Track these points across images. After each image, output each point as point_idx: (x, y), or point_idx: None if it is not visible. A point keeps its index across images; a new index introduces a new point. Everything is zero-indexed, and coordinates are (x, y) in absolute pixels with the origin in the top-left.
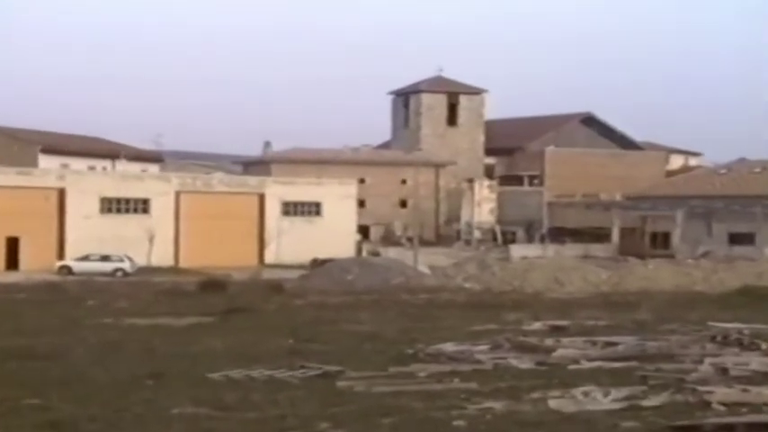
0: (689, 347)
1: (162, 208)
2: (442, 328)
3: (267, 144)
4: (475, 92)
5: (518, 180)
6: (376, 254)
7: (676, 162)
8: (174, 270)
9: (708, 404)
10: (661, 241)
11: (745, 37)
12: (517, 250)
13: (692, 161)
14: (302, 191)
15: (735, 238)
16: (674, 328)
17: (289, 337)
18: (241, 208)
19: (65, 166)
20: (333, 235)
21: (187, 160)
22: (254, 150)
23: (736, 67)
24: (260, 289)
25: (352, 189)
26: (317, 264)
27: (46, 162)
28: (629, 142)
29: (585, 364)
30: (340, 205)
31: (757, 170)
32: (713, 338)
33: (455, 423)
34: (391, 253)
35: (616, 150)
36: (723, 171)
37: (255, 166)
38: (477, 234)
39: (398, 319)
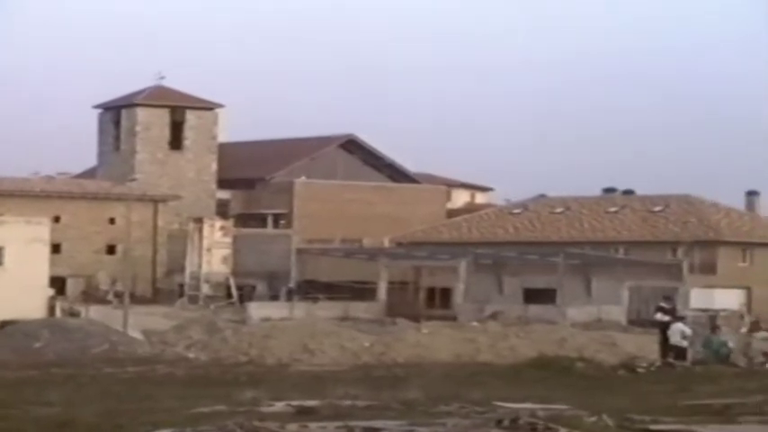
0: None
1: None
2: (156, 410)
3: None
4: (206, 107)
5: (260, 220)
6: (74, 314)
7: (460, 198)
8: None
9: None
10: (440, 299)
11: (545, 44)
12: (257, 310)
13: (480, 198)
14: None
15: (531, 296)
16: (452, 410)
17: None
18: None
19: None
20: (16, 289)
21: None
22: None
23: (531, 82)
24: None
25: (43, 230)
26: None
27: None
28: (401, 173)
29: None
30: (26, 251)
31: (559, 210)
32: (499, 422)
33: None
34: (94, 313)
35: (384, 183)
36: (517, 211)
37: None
38: (205, 289)
39: (100, 398)
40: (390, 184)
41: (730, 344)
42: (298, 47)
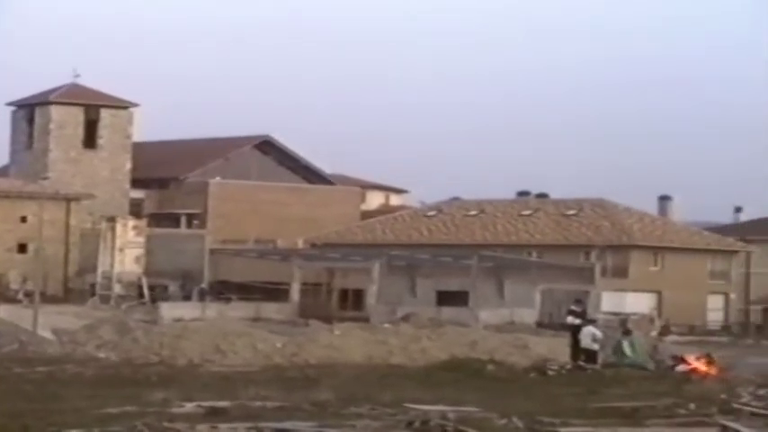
0: None
1: None
2: (64, 410)
3: None
4: (121, 105)
5: (174, 220)
6: None
7: (374, 200)
8: None
9: None
10: (353, 300)
11: (455, 52)
12: (169, 310)
13: (395, 200)
14: None
15: (444, 298)
16: (363, 412)
17: None
18: None
19: None
20: None
21: None
22: None
23: (445, 87)
24: None
25: None
26: None
27: None
28: (316, 174)
29: None
30: None
31: (473, 212)
32: (410, 424)
33: None
34: (3, 312)
35: (299, 184)
36: (432, 213)
37: None
38: (117, 288)
39: (8, 398)
40: (305, 186)
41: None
42: (214, 47)
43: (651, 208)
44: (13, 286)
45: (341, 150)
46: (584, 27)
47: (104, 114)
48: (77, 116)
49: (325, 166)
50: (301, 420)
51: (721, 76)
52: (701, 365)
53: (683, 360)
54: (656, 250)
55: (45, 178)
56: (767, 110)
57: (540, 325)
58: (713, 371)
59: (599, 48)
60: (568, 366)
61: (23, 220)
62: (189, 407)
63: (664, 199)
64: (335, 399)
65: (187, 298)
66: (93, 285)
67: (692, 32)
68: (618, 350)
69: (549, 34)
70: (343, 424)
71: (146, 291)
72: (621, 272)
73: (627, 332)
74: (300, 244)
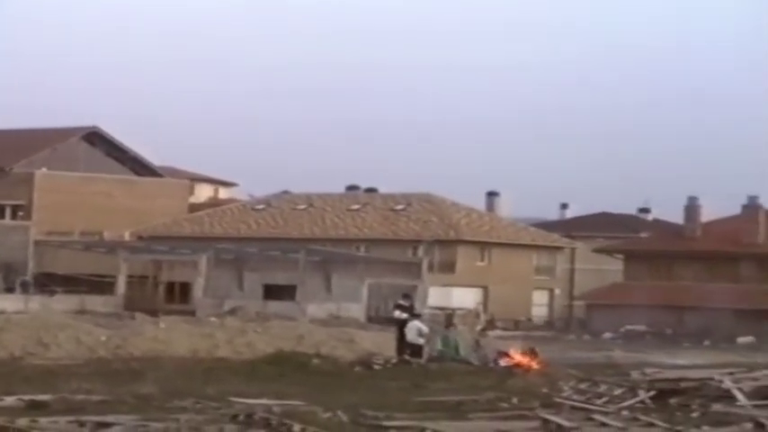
0: (202, 429)
1: None
2: None
3: None
4: None
5: None
6: None
7: (203, 193)
8: None
9: None
10: (179, 294)
11: (283, 44)
12: None
13: (223, 193)
14: None
15: (271, 292)
16: (187, 405)
17: None
18: None
19: None
20: None
21: None
22: None
23: (272, 79)
24: None
25: None
26: None
27: None
28: (145, 166)
29: None
30: None
31: (302, 206)
32: (234, 418)
33: None
34: None
35: (127, 176)
36: (260, 206)
37: None
38: None
39: None
40: (133, 178)
41: (456, 341)
42: (40, 35)
43: (479, 203)
44: None
45: (169, 142)
46: (415, 28)
47: None
48: None
49: (153, 158)
50: (124, 414)
51: (554, 81)
52: (524, 360)
53: (506, 355)
54: (483, 245)
55: None
56: (599, 113)
57: (369, 319)
58: (536, 365)
59: (428, 47)
60: (394, 360)
61: None
62: (9, 400)
63: (491, 195)
64: (159, 392)
65: (10, 290)
66: None
67: (541, 38)
68: (438, 344)
69: (380, 34)
70: (166, 417)
71: None
72: (448, 267)
73: (447, 327)
74: (127, 236)
